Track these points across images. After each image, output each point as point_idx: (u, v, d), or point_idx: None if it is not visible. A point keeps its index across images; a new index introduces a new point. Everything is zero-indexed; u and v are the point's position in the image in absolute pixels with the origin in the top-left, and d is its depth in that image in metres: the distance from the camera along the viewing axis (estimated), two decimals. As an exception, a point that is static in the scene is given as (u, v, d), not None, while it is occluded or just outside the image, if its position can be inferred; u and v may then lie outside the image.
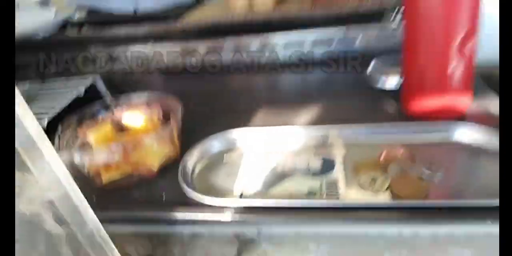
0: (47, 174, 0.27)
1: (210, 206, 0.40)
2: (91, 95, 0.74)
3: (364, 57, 0.74)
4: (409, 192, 0.37)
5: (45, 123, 0.54)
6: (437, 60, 0.46)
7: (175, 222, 0.44)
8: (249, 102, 0.62)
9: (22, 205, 0.26)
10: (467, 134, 0.45)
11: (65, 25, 1.01)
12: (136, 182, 0.47)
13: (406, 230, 0.37)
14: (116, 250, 0.35)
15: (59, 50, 0.86)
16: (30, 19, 0.97)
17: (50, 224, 0.28)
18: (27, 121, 0.24)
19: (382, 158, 0.43)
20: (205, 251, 0.41)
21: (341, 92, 0.64)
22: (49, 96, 0.70)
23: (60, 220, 0.29)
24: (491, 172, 0.39)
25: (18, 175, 0.25)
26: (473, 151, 0.43)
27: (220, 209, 0.39)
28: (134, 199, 0.44)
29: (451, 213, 0.35)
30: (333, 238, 0.39)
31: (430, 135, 0.46)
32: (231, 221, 0.42)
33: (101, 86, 0.75)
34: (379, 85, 0.63)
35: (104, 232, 0.34)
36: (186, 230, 0.44)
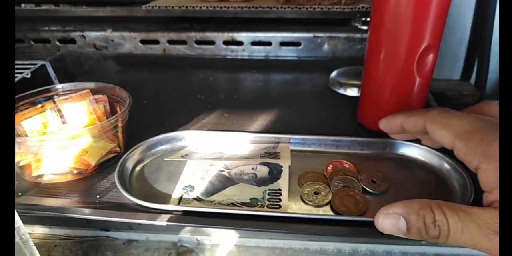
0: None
1: (147, 210, 0.38)
2: (39, 79, 0.69)
3: (331, 61, 0.74)
4: (349, 207, 0.37)
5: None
6: (394, 74, 0.45)
7: (109, 226, 0.41)
8: (206, 102, 0.60)
9: None
10: (413, 150, 0.45)
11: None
12: (70, 178, 0.43)
13: (346, 247, 0.37)
14: (38, 255, 0.32)
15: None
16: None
17: None
18: None
19: (327, 170, 0.43)
20: (140, 260, 0.39)
21: (303, 95, 0.63)
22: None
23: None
24: (432, 188, 0.41)
25: None
26: (418, 166, 0.44)
27: (157, 215, 0.37)
28: (65, 197, 0.41)
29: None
30: (273, 251, 0.38)
31: (377, 149, 0.46)
32: (168, 228, 0.40)
33: (50, 70, 0.70)
34: (341, 92, 0.63)
35: (25, 231, 0.31)
36: (121, 236, 0.42)
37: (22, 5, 0.96)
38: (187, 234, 0.41)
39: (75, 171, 0.43)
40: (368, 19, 0.65)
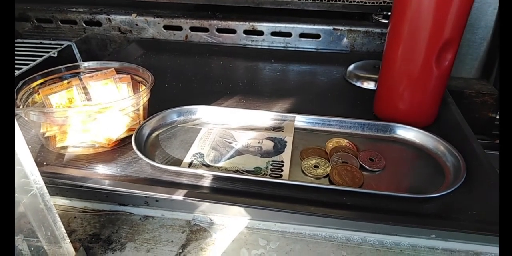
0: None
1: (163, 184, 0.39)
2: (64, 59, 0.71)
3: (349, 55, 0.75)
4: (346, 181, 0.39)
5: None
6: (413, 67, 0.46)
7: (127, 201, 0.43)
8: (224, 88, 0.61)
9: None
10: (411, 133, 0.47)
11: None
12: (92, 151, 0.45)
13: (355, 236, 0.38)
14: (60, 222, 0.34)
15: (36, 6, 0.82)
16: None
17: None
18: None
19: (328, 147, 0.45)
20: (154, 235, 0.40)
21: (320, 86, 0.64)
22: (19, 54, 0.67)
23: None
24: (426, 167, 0.43)
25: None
26: (415, 148, 0.46)
27: (173, 189, 0.38)
28: (87, 169, 0.43)
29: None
30: (283, 234, 0.40)
31: (378, 132, 0.48)
32: (182, 206, 0.41)
33: (76, 50, 0.72)
34: (357, 85, 0.63)
35: (49, 198, 0.33)
36: (137, 211, 0.43)
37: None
38: (200, 213, 0.43)
39: (97, 145, 0.45)
40: (389, 13, 0.66)
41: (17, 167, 0.29)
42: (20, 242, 0.32)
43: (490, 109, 0.64)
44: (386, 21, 0.64)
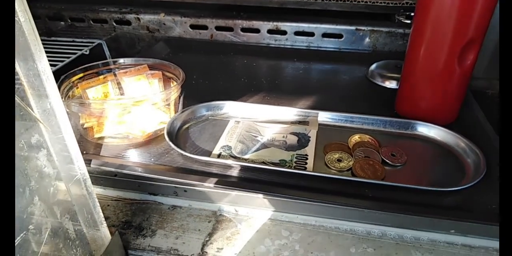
0: (48, 117, 0.28)
1: (194, 173, 0.42)
2: (95, 56, 0.75)
3: (371, 54, 0.76)
4: (368, 174, 0.41)
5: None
6: (436, 66, 0.47)
7: (157, 190, 0.46)
8: (249, 85, 0.64)
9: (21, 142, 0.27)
10: (432, 131, 0.48)
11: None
12: (127, 142, 0.48)
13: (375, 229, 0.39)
14: (99, 207, 0.36)
15: (70, 6, 0.86)
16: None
17: (42, 163, 0.29)
18: (42, 62, 0.25)
19: (351, 142, 0.47)
20: (182, 223, 0.43)
21: (343, 84, 0.66)
22: (55, 51, 0.71)
23: (51, 162, 0.30)
24: (447, 163, 0.44)
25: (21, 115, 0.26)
26: (436, 145, 0.47)
27: (203, 177, 0.41)
28: (123, 158, 0.45)
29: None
30: (305, 227, 0.41)
31: (399, 129, 0.50)
32: (209, 196, 0.44)
33: (106, 48, 0.76)
34: (379, 83, 0.65)
35: (91, 184, 0.35)
36: (167, 201, 0.46)
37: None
38: (226, 203, 0.45)
39: (131, 136, 0.48)
40: (412, 13, 0.67)
41: (64, 154, 0.31)
42: (67, 222, 0.35)
43: (512, 110, 0.65)
44: (408, 22, 0.65)
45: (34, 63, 0.25)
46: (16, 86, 0.25)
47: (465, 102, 0.53)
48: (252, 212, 0.45)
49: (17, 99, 0.25)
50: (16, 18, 0.23)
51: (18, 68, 0.25)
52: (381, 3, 0.73)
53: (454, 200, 0.38)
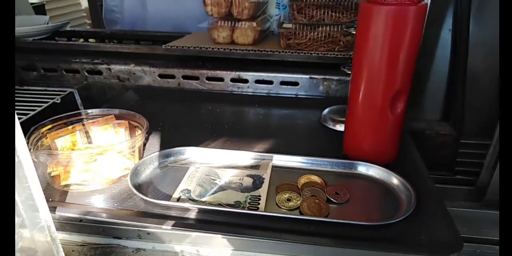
0: (16, 169, 0.31)
1: (154, 217, 0.45)
2: (67, 104, 0.79)
3: (325, 100, 0.83)
4: (314, 212, 0.45)
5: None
6: (371, 114, 0.53)
7: (121, 234, 0.48)
8: (212, 131, 0.68)
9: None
10: (371, 170, 0.54)
11: (54, 34, 1.07)
12: (93, 188, 0.51)
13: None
14: (62, 253, 0.38)
15: (43, 57, 0.91)
16: (23, 22, 1.02)
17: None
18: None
19: (300, 183, 0.51)
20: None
21: (298, 129, 0.72)
22: (27, 100, 0.74)
23: (16, 211, 0.33)
24: (385, 199, 0.49)
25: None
26: (375, 182, 0.53)
27: (163, 220, 0.44)
28: (87, 204, 0.48)
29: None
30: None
31: (344, 169, 0.55)
32: (172, 237, 0.47)
33: (77, 97, 0.80)
34: (331, 127, 0.71)
35: (55, 230, 0.37)
36: (130, 244, 0.48)
37: (56, 38, 1.08)
38: (188, 244, 0.48)
39: (97, 183, 0.51)
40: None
41: (29, 202, 0.34)
42: (27, 271, 0.37)
43: (450, 148, 0.72)
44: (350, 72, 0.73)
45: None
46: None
47: (404, 143, 0.59)
48: (213, 252, 0.48)
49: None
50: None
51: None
52: (331, 54, 0.82)
53: (389, 233, 0.42)
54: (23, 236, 0.35)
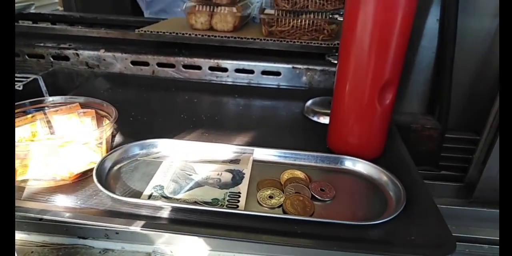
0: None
1: (122, 216, 0.40)
2: (30, 92, 0.72)
3: (308, 91, 0.80)
4: (298, 210, 0.42)
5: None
6: (358, 105, 0.50)
7: (87, 234, 0.44)
8: (188, 122, 0.64)
9: None
10: (359, 165, 0.51)
11: (18, 17, 0.99)
12: (53, 184, 0.46)
13: None
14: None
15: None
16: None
17: None
18: None
19: (283, 178, 0.48)
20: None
21: (280, 121, 0.68)
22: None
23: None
24: (372, 196, 0.47)
25: None
26: (362, 178, 0.50)
27: (132, 220, 0.40)
28: (47, 202, 0.43)
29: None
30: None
31: (330, 164, 0.52)
32: (142, 238, 0.42)
33: (42, 84, 0.74)
34: (314, 119, 0.68)
35: None
36: (97, 244, 0.44)
37: (20, 21, 1.00)
38: (161, 245, 0.44)
39: (58, 178, 0.46)
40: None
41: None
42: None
43: (435, 142, 0.70)
44: (336, 62, 0.69)
45: None
46: None
47: (390, 137, 0.56)
48: (187, 253, 0.44)
49: None
50: None
51: None
52: (315, 43, 0.79)
53: (377, 233, 0.40)
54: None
